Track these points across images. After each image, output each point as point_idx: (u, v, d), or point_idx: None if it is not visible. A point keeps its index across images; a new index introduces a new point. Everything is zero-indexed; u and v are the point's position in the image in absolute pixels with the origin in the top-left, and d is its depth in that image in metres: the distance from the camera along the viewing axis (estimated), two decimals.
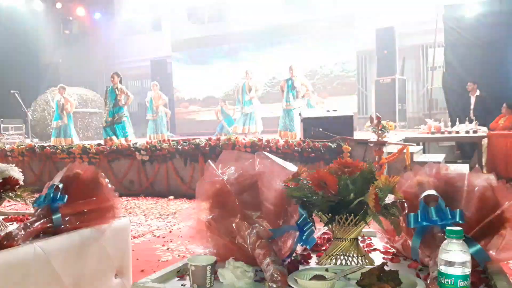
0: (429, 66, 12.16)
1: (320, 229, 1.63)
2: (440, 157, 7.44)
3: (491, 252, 1.31)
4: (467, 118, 8.01)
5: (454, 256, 0.99)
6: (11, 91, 11.40)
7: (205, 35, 15.16)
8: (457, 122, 7.99)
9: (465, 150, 8.81)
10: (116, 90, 8.61)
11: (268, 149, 6.42)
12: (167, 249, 3.96)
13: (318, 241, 1.68)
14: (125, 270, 2.15)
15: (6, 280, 1.56)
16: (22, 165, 8.02)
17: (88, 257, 1.90)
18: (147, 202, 6.62)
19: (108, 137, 8.45)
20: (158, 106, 10.87)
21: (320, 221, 1.47)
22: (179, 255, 3.74)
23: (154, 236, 4.48)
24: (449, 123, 8.34)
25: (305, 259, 1.52)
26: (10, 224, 2.15)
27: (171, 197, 6.87)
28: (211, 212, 1.51)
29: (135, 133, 10.11)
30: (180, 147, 7.09)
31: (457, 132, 7.69)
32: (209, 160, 1.62)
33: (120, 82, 8.77)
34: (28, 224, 1.79)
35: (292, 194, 1.43)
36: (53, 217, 1.85)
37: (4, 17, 14.44)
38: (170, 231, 4.66)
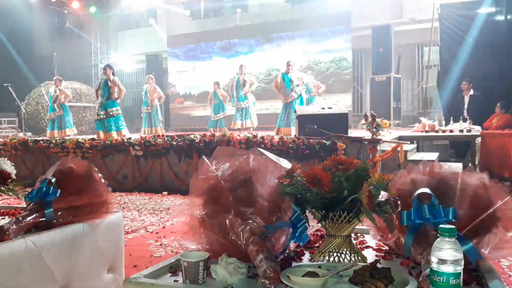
0: (424, 65, 12.20)
1: (313, 226, 1.63)
2: (434, 155, 7.48)
3: (483, 250, 1.32)
4: (461, 117, 8.04)
5: (447, 254, 1.00)
6: (4, 84, 11.31)
7: (201, 31, 15.12)
8: (451, 121, 8.03)
9: (458, 149, 8.85)
10: (109, 82, 8.58)
11: (262, 145, 6.41)
12: (160, 244, 3.95)
13: (311, 238, 1.68)
14: (118, 265, 2.14)
15: None
16: (15, 159, 7.97)
17: (80, 252, 1.89)
18: (140, 198, 6.60)
19: (100, 131, 8.45)
20: (153, 99, 10.83)
21: (314, 218, 1.47)
22: (172, 251, 3.73)
23: (147, 231, 4.47)
24: (443, 122, 8.38)
25: (298, 255, 1.52)
26: (2, 218, 2.13)
27: (165, 192, 6.86)
28: (205, 208, 1.50)
29: (130, 127, 10.09)
30: (174, 143, 7.07)
31: (451, 131, 7.72)
32: (203, 156, 1.61)
33: (113, 74, 8.73)
34: (20, 219, 1.78)
35: (286, 191, 1.43)
36: (46, 211, 1.84)
37: None
38: (163, 227, 4.65)
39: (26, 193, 1.96)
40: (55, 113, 10.19)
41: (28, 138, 8.92)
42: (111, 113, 8.58)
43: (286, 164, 1.61)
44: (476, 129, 7.54)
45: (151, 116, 10.85)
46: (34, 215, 1.82)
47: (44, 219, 1.84)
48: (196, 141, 6.93)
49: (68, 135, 9.87)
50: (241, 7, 14.19)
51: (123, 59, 16.91)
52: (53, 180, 1.90)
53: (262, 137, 6.70)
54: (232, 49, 14.36)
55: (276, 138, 6.63)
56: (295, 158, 6.16)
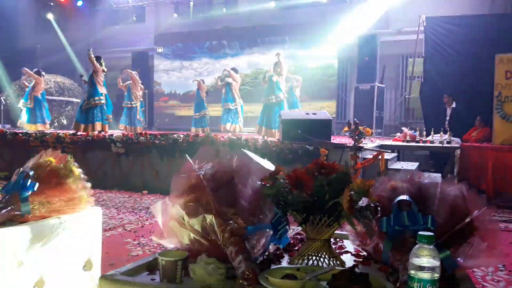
0: (408, 76, 12.38)
1: (293, 229, 1.63)
2: (414, 165, 7.57)
3: (459, 259, 1.34)
4: (442, 129, 8.17)
5: (425, 261, 1.01)
6: None
7: (189, 30, 15.07)
8: (432, 132, 8.14)
9: (438, 159, 8.98)
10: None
11: (246, 148, 6.41)
12: (138, 244, 3.91)
13: (291, 241, 1.68)
14: (94, 262, 2.10)
15: None
16: None
17: (56, 247, 1.85)
18: (120, 196, 6.52)
19: (82, 124, 8.25)
20: (136, 95, 10.77)
21: (294, 220, 1.47)
22: (150, 251, 3.69)
23: (126, 230, 4.41)
24: (424, 133, 8.50)
25: (278, 258, 1.52)
26: None
27: (145, 191, 6.79)
28: (186, 207, 1.49)
29: (113, 125, 9.96)
30: (157, 142, 7.01)
31: (432, 142, 7.84)
32: (186, 155, 1.60)
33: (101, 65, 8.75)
34: None
35: (268, 193, 1.43)
36: (21, 204, 1.79)
37: None
38: (142, 226, 4.60)
39: (2, 185, 1.91)
40: (26, 104, 10.06)
41: (7, 130, 8.74)
42: (93, 102, 8.40)
43: (269, 166, 1.61)
44: (456, 141, 7.67)
45: (132, 114, 10.75)
46: (9, 207, 1.78)
47: (19, 212, 1.79)
48: (179, 140, 6.89)
49: (41, 130, 9.77)
50: (231, 10, 14.21)
51: (108, 55, 16.69)
52: (31, 173, 1.86)
53: (246, 140, 6.70)
54: (219, 51, 14.35)
55: (260, 141, 6.64)
56: (278, 162, 6.12)
